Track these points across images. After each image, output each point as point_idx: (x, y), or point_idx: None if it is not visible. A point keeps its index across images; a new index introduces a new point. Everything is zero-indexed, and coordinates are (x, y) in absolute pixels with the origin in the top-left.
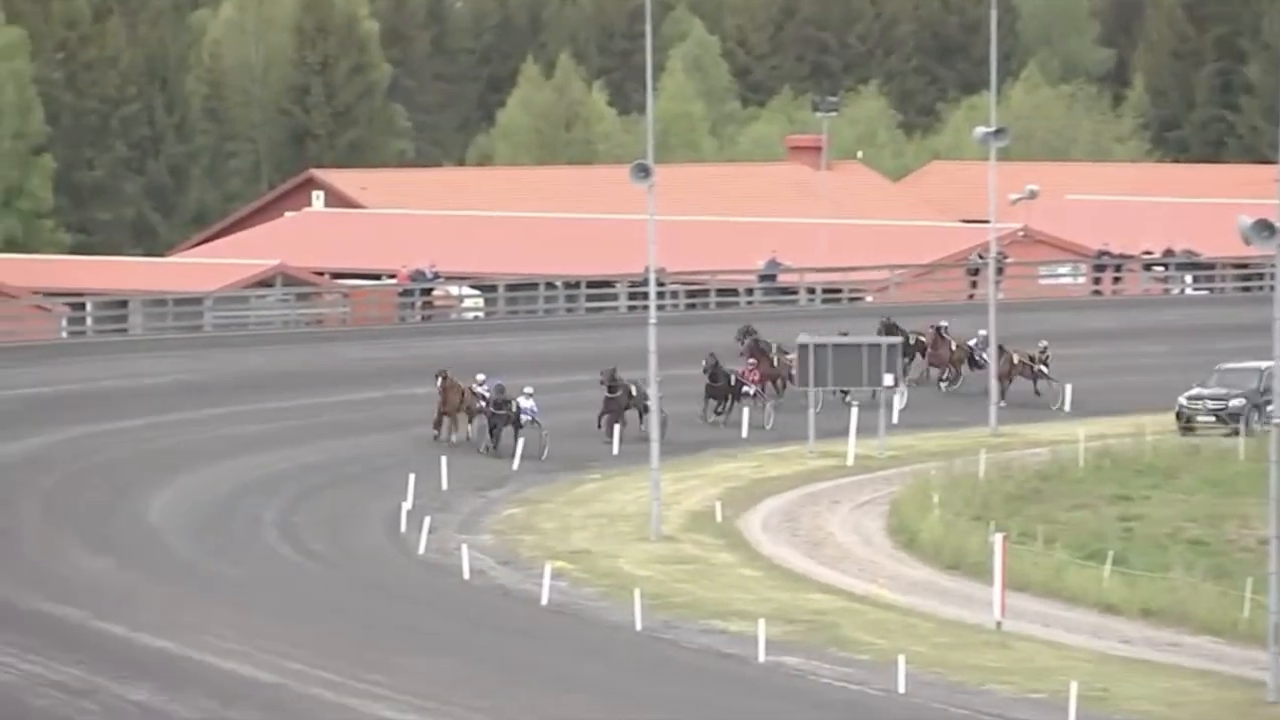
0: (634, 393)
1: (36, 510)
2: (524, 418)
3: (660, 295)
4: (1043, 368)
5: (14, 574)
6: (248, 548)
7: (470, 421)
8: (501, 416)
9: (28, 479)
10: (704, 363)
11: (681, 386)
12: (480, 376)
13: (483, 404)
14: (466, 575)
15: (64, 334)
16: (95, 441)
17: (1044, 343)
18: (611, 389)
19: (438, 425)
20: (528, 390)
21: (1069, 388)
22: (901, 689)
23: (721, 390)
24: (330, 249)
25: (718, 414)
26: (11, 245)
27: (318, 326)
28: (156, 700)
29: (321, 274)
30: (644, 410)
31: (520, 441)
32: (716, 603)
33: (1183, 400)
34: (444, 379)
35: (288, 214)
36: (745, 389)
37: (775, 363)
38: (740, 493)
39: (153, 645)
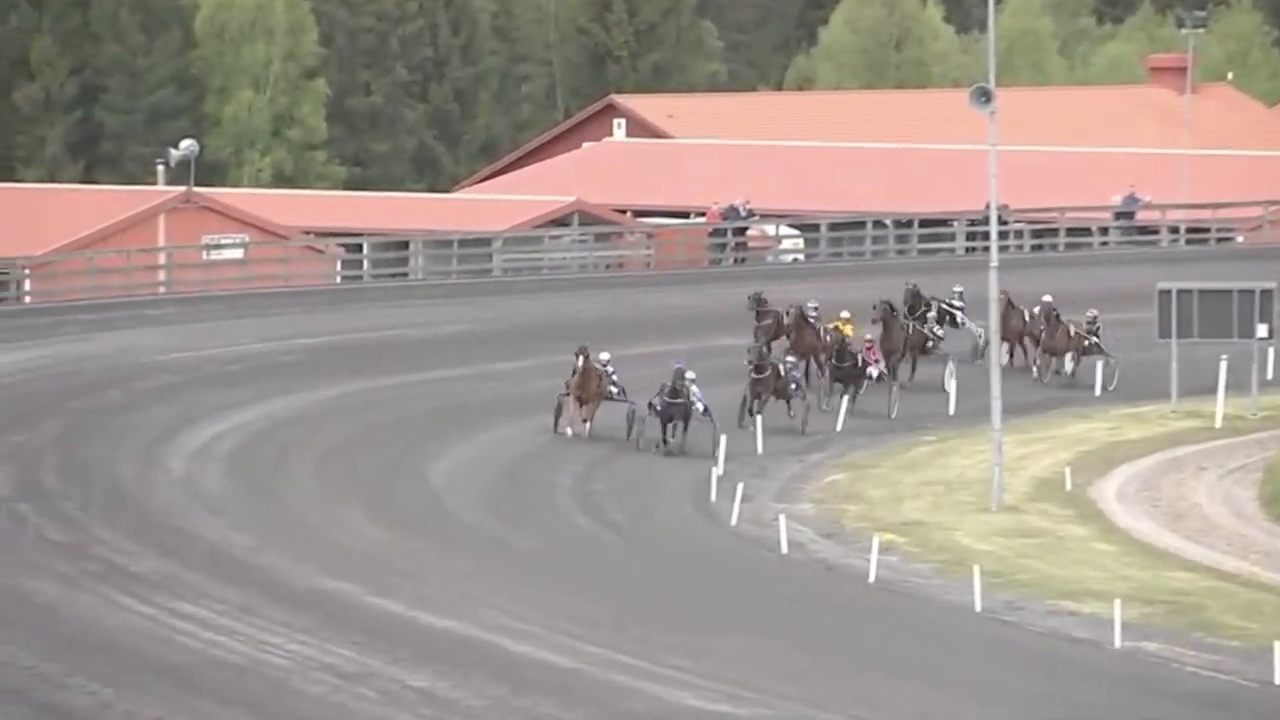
0: (782, 373)
1: (310, 473)
2: (696, 406)
3: (1002, 235)
4: None
5: (285, 544)
6: (541, 516)
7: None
8: (678, 407)
9: (302, 438)
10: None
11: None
12: (604, 355)
13: (613, 390)
14: (784, 549)
15: (338, 279)
16: (373, 397)
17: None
18: (759, 369)
19: (562, 412)
20: (690, 376)
21: None
22: (1279, 680)
23: (849, 372)
24: (632, 184)
25: (846, 396)
26: (280, 180)
27: (618, 271)
28: (440, 686)
29: (623, 212)
30: (791, 393)
31: (683, 435)
32: (1066, 581)
33: None
34: (585, 358)
35: (585, 145)
36: (869, 370)
37: (906, 330)
38: (1093, 457)
39: (436, 625)
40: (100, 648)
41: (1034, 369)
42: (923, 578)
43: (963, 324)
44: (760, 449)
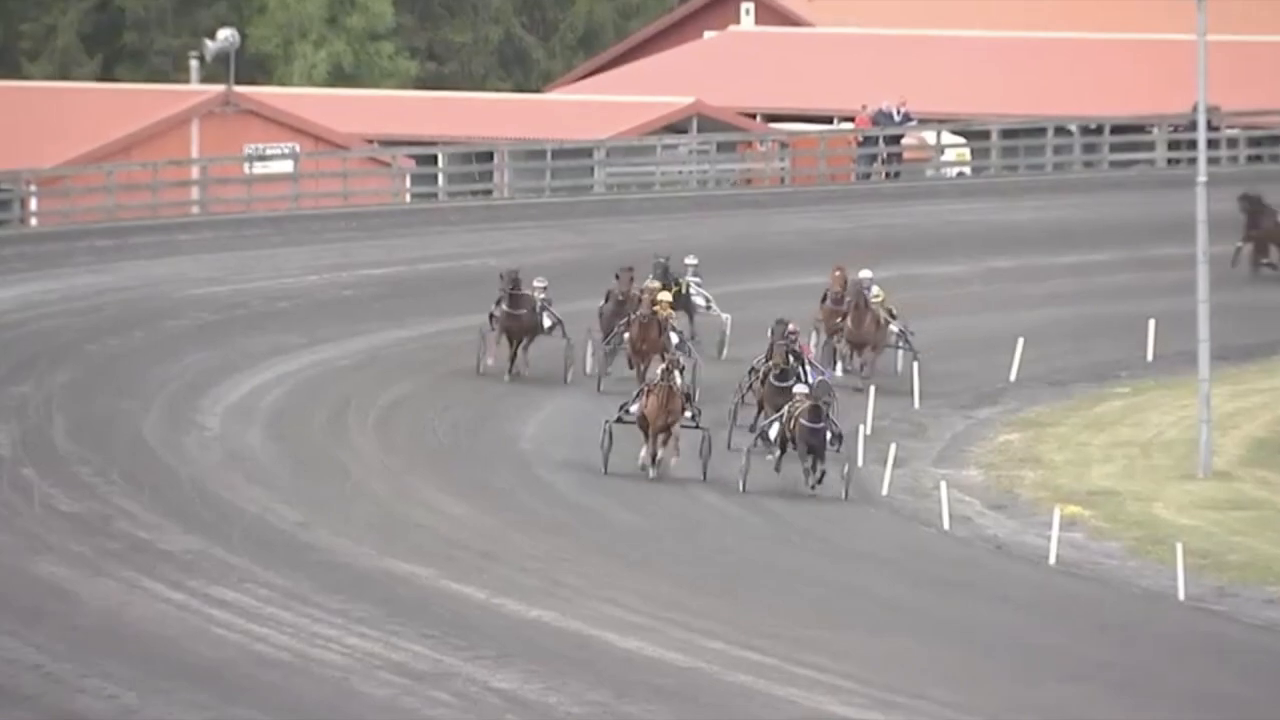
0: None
1: (372, 434)
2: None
3: (1212, 144)
4: None
5: (342, 519)
6: (651, 489)
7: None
8: (818, 435)
9: (363, 392)
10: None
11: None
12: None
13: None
14: (946, 524)
15: (407, 197)
16: (449, 342)
17: None
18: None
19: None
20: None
21: None
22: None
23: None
24: (763, 82)
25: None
26: (340, 78)
27: (745, 187)
28: (529, 689)
29: (751, 116)
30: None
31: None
32: None
33: None
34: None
35: (706, 34)
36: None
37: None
38: None
39: (525, 615)
40: (122, 643)
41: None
42: (1114, 559)
43: (709, 307)
44: (917, 402)
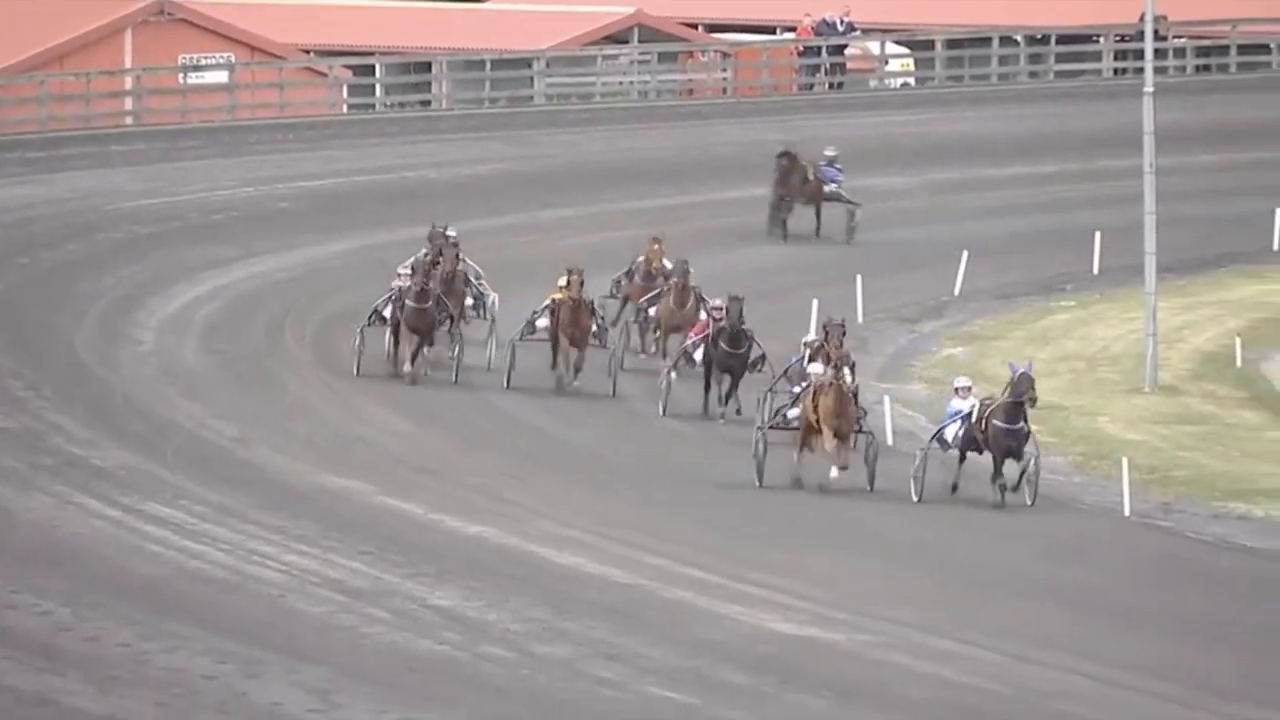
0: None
1: (310, 349)
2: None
3: (1159, 54)
4: None
5: (279, 435)
6: (595, 402)
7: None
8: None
9: (300, 306)
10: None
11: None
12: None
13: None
14: (890, 440)
15: (344, 108)
16: (387, 255)
17: None
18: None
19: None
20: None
21: None
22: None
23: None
24: None
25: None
26: None
27: (687, 98)
28: (468, 606)
29: (693, 26)
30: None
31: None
32: (1235, 478)
33: None
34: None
35: None
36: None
37: None
38: (1271, 326)
39: (465, 531)
40: (56, 559)
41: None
42: (1060, 474)
43: (481, 296)
44: (860, 314)
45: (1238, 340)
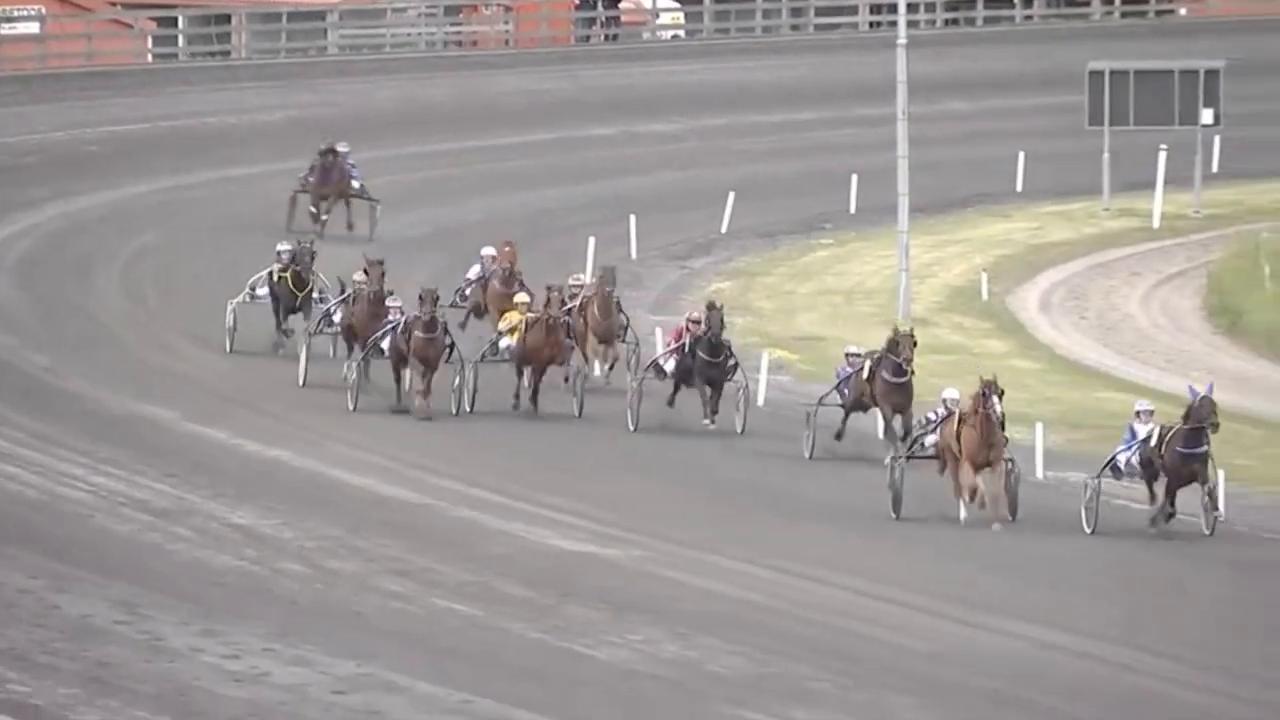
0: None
1: (117, 284)
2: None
3: (911, 8)
4: None
5: (89, 364)
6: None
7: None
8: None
9: (108, 244)
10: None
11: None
12: (343, 147)
13: (356, 185)
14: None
15: (149, 57)
16: (191, 196)
17: None
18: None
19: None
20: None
21: None
22: (1222, 513)
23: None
24: None
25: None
26: None
27: (471, 49)
28: (265, 524)
29: None
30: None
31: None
32: None
33: None
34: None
35: None
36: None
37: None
38: (1013, 262)
39: (264, 455)
40: None
41: None
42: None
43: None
44: (634, 252)
45: (983, 275)
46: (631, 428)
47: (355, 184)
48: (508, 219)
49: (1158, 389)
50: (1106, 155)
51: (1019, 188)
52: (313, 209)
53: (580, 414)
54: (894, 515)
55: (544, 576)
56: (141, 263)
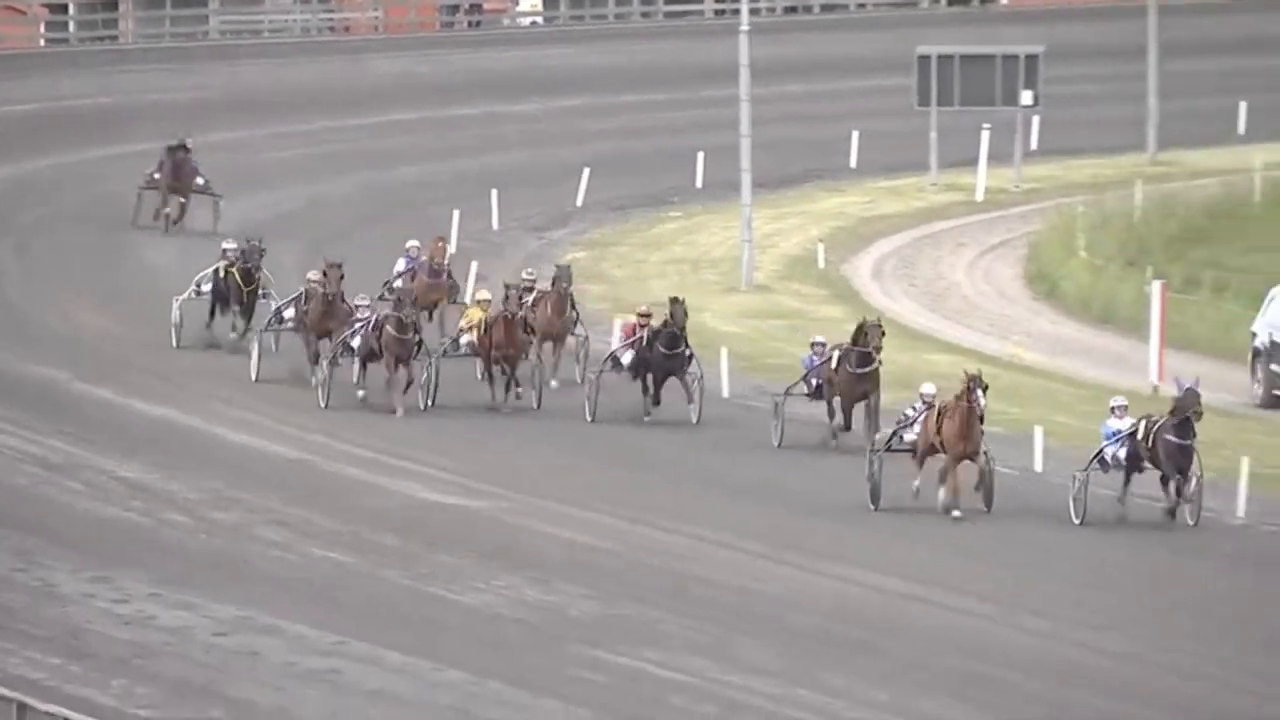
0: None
1: (11, 253)
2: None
3: None
4: None
5: None
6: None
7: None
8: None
9: (11, 215)
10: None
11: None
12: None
13: (200, 181)
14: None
15: (41, 41)
16: (83, 172)
17: None
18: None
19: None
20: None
21: (1243, 105)
22: (1038, 466)
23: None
24: None
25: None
26: None
27: (343, 35)
28: (152, 477)
29: None
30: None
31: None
32: None
33: None
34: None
35: None
36: None
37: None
38: (847, 233)
39: (151, 414)
40: None
41: None
42: None
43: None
44: (496, 224)
45: (820, 246)
46: (589, 418)
47: (199, 180)
48: (378, 193)
49: (981, 351)
50: (934, 134)
51: (853, 164)
52: (166, 207)
53: (539, 406)
54: (872, 507)
55: (413, 527)
56: (36, 235)
